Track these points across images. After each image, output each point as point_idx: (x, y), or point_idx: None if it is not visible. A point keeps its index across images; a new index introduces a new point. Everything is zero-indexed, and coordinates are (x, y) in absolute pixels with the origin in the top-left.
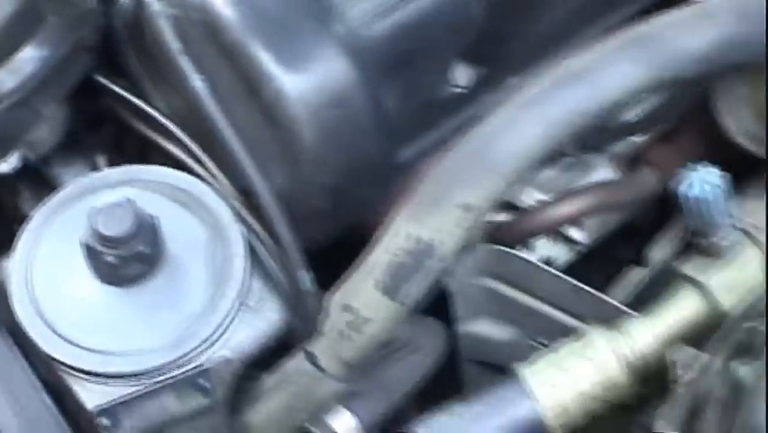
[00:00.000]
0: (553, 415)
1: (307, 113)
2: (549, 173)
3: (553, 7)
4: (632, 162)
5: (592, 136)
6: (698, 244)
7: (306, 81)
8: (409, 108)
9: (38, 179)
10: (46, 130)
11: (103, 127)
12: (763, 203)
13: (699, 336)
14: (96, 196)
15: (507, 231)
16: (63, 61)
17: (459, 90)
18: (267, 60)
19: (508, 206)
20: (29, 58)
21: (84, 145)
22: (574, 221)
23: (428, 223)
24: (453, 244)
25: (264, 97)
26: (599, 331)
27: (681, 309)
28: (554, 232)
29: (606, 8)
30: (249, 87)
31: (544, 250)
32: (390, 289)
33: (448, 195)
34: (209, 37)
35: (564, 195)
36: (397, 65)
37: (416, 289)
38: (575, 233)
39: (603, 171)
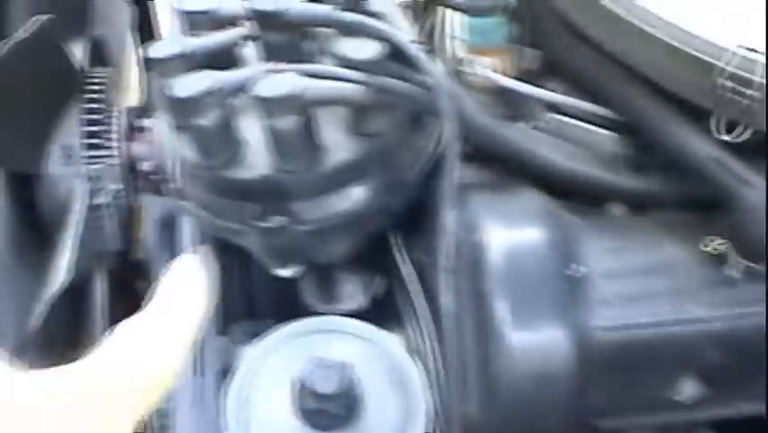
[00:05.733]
0: None
1: (521, 368)
2: None
3: None
4: None
5: None
6: None
7: (529, 343)
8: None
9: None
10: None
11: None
12: None
13: None
14: (307, 340)
15: None
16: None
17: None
18: (504, 319)
19: None
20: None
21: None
22: None
23: None
24: None
25: (491, 348)
26: None
27: None
28: None
29: None
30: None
31: None
32: None
33: None
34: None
35: None
36: (617, 372)
37: None
38: None
39: None
